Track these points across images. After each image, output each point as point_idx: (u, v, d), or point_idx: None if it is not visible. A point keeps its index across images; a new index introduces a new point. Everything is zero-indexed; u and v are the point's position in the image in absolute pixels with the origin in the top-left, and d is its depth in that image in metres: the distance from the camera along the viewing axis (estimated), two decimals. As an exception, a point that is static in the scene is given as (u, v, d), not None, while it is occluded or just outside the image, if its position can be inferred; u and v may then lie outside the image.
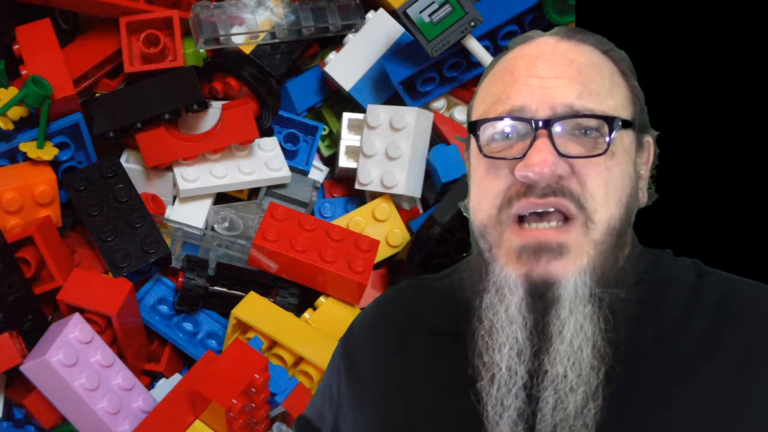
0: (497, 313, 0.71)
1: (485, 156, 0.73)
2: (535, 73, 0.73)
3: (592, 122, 0.71)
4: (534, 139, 0.70)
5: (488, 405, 0.70)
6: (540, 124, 0.70)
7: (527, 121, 0.71)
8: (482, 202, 0.74)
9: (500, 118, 0.73)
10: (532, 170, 0.69)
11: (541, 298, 0.70)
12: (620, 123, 0.72)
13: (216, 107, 1.44)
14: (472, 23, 1.35)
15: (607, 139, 0.71)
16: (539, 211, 0.70)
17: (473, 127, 0.75)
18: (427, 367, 0.78)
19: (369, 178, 1.41)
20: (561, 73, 0.73)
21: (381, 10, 1.48)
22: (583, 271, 0.69)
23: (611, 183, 0.71)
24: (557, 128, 0.70)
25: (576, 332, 0.69)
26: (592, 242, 0.70)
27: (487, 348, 0.71)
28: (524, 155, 0.70)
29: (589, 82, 0.73)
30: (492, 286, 0.72)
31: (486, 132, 0.74)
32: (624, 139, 0.73)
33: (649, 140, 0.78)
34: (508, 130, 0.72)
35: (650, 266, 0.76)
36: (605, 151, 0.71)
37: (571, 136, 0.71)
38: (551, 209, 0.70)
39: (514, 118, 0.72)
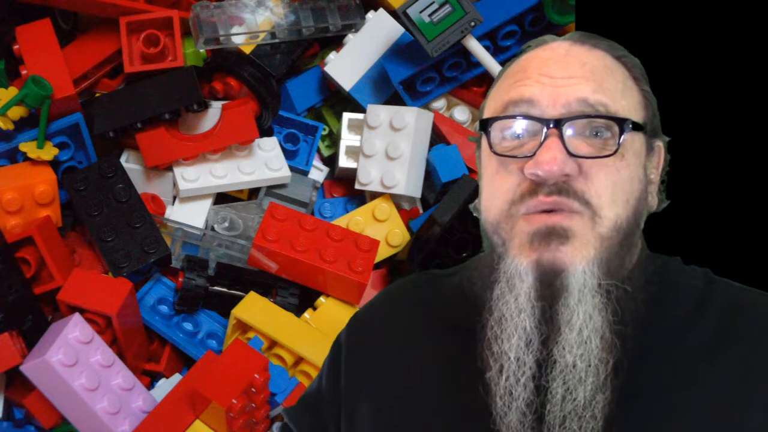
0: (507, 303, 0.71)
1: (496, 154, 0.74)
2: (547, 72, 0.74)
3: (603, 123, 0.72)
4: (544, 138, 0.71)
5: (496, 396, 0.71)
6: (551, 123, 0.71)
7: (539, 120, 0.72)
8: (493, 199, 0.75)
9: (512, 117, 0.74)
10: (541, 168, 0.70)
11: (549, 286, 0.70)
12: (630, 125, 0.72)
13: (216, 107, 1.44)
14: (472, 23, 1.34)
15: (618, 140, 0.71)
16: (546, 209, 0.71)
17: (484, 125, 0.76)
18: (435, 357, 0.79)
19: (369, 178, 1.41)
20: (573, 74, 0.74)
21: (381, 10, 1.48)
22: (590, 262, 0.70)
23: (619, 184, 0.72)
24: (568, 130, 0.71)
25: (585, 322, 0.69)
26: (598, 236, 0.71)
27: (496, 338, 0.72)
28: (534, 153, 0.71)
29: (603, 82, 0.74)
30: (503, 277, 0.72)
31: (497, 130, 0.75)
32: (634, 141, 0.74)
33: (660, 145, 0.79)
34: (519, 131, 0.73)
35: (658, 270, 0.76)
36: (615, 152, 0.71)
37: (582, 137, 0.72)
38: (557, 208, 0.70)
39: (526, 117, 0.73)
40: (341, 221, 1.43)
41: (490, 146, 0.74)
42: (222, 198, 1.48)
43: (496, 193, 0.74)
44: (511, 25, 1.44)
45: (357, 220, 1.42)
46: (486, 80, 1.50)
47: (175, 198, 1.45)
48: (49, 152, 1.33)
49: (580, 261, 0.70)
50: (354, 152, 1.45)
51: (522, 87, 0.74)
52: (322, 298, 1.37)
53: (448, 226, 1.31)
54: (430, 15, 1.34)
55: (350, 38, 1.47)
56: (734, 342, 0.72)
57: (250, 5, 1.45)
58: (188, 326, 1.40)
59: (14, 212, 1.31)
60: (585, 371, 0.69)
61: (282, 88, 1.50)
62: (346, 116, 1.46)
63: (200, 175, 1.42)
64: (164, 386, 1.33)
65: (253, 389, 1.19)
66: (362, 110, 1.45)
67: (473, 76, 1.48)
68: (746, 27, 1.21)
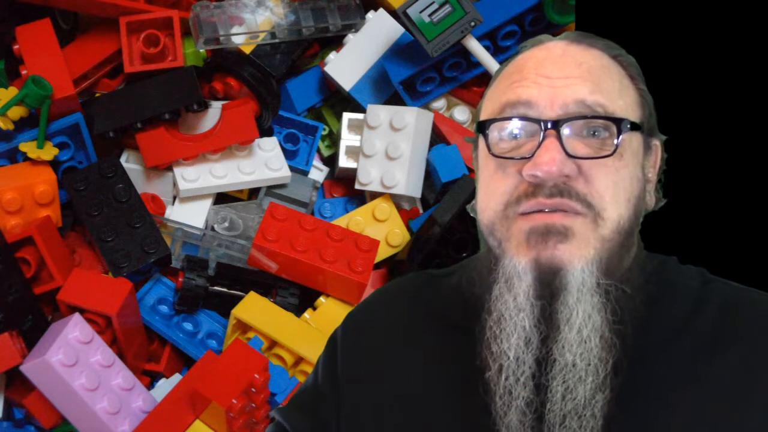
0: (506, 303, 0.71)
1: (493, 155, 0.74)
2: (544, 73, 0.74)
3: (601, 123, 0.71)
4: (542, 139, 0.71)
5: (496, 395, 0.70)
6: (549, 124, 0.71)
7: (536, 121, 0.71)
8: (489, 201, 0.74)
9: (509, 118, 0.73)
10: (540, 169, 0.69)
11: (548, 285, 0.70)
12: (629, 125, 0.72)
13: (216, 107, 1.44)
14: (472, 23, 1.35)
15: (616, 140, 0.71)
16: (546, 210, 0.70)
17: (482, 126, 0.75)
18: (436, 356, 0.79)
19: (369, 178, 1.41)
20: (570, 74, 0.73)
21: (381, 10, 1.48)
22: (589, 262, 0.70)
23: (620, 184, 0.72)
24: (566, 130, 0.71)
25: (585, 321, 0.69)
26: (600, 237, 0.70)
27: (495, 338, 0.71)
28: (532, 155, 0.71)
29: (600, 81, 0.73)
30: (501, 277, 0.72)
31: (494, 131, 0.74)
32: (632, 141, 0.74)
33: (657, 144, 0.79)
34: (516, 131, 0.73)
35: (656, 269, 0.76)
36: (613, 153, 0.71)
37: (580, 137, 0.71)
38: (559, 209, 0.70)
39: (523, 119, 0.72)
40: (341, 221, 1.43)
41: (488, 147, 0.74)
42: (222, 198, 1.48)
43: (492, 195, 0.74)
44: (511, 25, 1.44)
45: (357, 220, 1.42)
46: (486, 80, 1.49)
47: (175, 198, 1.45)
48: (49, 152, 1.33)
49: (579, 260, 0.69)
50: (354, 152, 1.45)
51: (519, 88, 0.74)
52: (322, 298, 1.37)
53: (448, 226, 1.31)
54: (430, 15, 1.34)
55: (350, 38, 1.47)
56: (733, 342, 0.72)
57: (250, 5, 1.45)
58: (188, 326, 1.40)
59: (14, 212, 1.31)
60: (585, 370, 0.68)
61: (282, 88, 1.50)
62: (346, 116, 1.46)
63: (200, 175, 1.42)
64: (164, 386, 1.33)
65: (253, 389, 1.19)
66: (362, 110, 1.45)
67: (473, 76, 1.48)
68: (744, 26, 1.21)
